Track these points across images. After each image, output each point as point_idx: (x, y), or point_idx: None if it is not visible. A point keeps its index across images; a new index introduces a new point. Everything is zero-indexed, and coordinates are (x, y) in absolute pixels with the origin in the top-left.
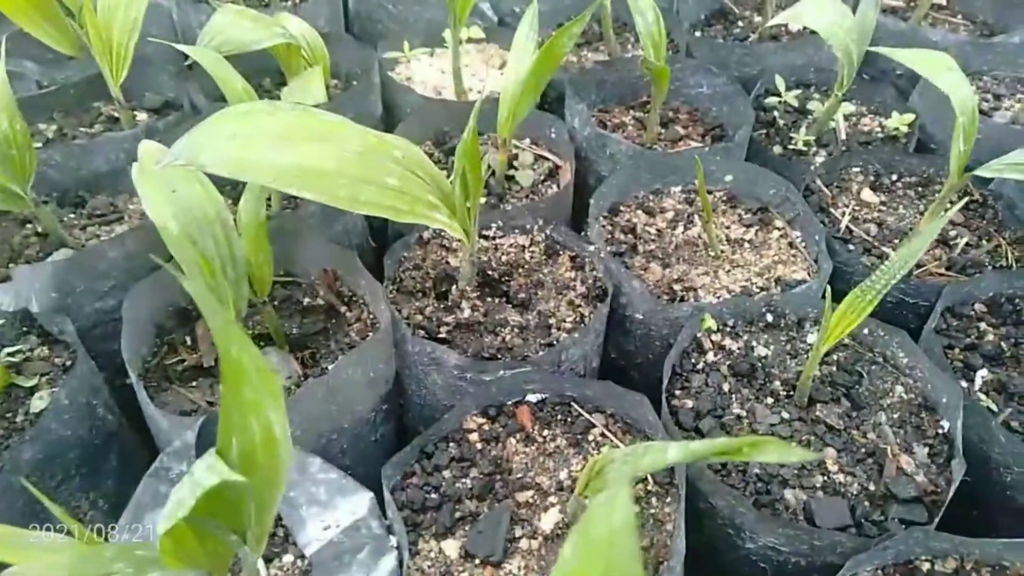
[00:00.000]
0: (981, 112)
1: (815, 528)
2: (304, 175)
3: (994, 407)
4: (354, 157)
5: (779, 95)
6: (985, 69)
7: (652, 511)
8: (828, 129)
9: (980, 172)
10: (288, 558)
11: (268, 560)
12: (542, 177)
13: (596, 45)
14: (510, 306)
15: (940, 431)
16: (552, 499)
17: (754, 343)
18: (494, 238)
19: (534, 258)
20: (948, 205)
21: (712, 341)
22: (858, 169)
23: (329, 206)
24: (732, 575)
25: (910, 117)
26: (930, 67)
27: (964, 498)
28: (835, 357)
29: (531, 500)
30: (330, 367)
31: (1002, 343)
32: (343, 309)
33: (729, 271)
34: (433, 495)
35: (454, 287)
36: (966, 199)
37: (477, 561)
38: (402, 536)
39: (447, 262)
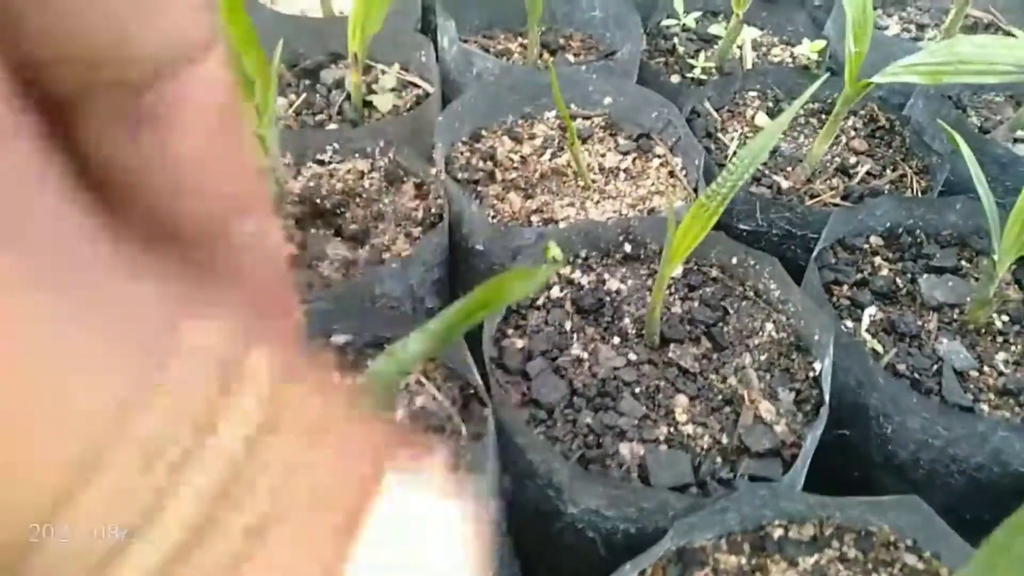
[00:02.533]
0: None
1: (643, 487)
2: None
3: (879, 348)
4: None
5: (678, 18)
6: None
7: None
8: (732, 57)
9: (876, 78)
10: None
11: None
12: (408, 105)
13: None
14: (339, 239)
15: (811, 374)
16: None
17: (607, 276)
18: (329, 163)
19: (373, 186)
20: (848, 125)
21: (559, 274)
22: (754, 93)
23: None
24: (560, 548)
25: (821, 44)
26: None
27: (843, 456)
28: (700, 292)
29: None
30: None
31: (897, 279)
32: None
33: (598, 202)
34: None
35: None
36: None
37: None
38: None
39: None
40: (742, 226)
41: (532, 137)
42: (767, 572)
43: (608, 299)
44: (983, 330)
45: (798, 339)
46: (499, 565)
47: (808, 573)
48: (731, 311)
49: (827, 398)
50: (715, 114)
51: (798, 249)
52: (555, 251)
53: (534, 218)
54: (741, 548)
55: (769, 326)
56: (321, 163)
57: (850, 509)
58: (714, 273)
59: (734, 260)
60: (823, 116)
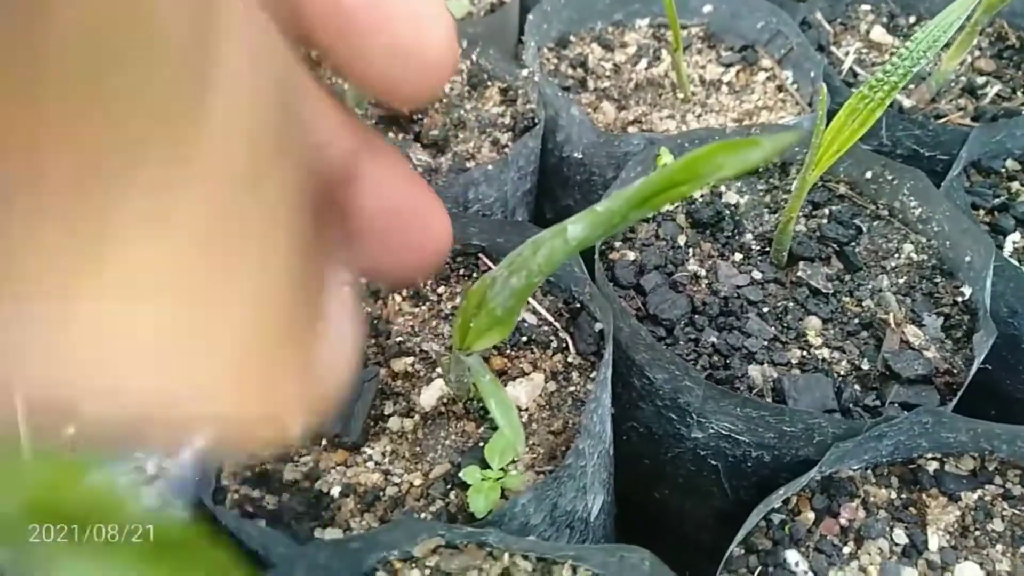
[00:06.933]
0: None
1: (793, 409)
2: None
3: None
4: None
5: None
6: None
7: (572, 388)
8: None
9: None
10: None
11: None
12: (482, 13)
13: None
14: (419, 145)
15: (959, 299)
16: (440, 370)
17: (723, 188)
18: None
19: (454, 90)
20: (973, 44)
21: None
22: (869, 7)
23: None
24: (671, 478)
25: None
26: None
27: (980, 390)
28: (828, 210)
29: (411, 370)
30: None
31: None
32: None
33: (700, 116)
34: None
35: None
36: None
37: (325, 442)
38: None
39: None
40: (863, 145)
41: (624, 45)
42: (924, 507)
43: (727, 213)
44: None
45: (941, 261)
46: (606, 493)
47: (971, 510)
48: (864, 230)
49: (990, 322)
50: (827, 26)
51: (924, 171)
52: (667, 159)
53: (631, 129)
54: (889, 481)
55: (908, 247)
56: None
57: (1022, 441)
58: (842, 190)
59: (868, 175)
60: None
